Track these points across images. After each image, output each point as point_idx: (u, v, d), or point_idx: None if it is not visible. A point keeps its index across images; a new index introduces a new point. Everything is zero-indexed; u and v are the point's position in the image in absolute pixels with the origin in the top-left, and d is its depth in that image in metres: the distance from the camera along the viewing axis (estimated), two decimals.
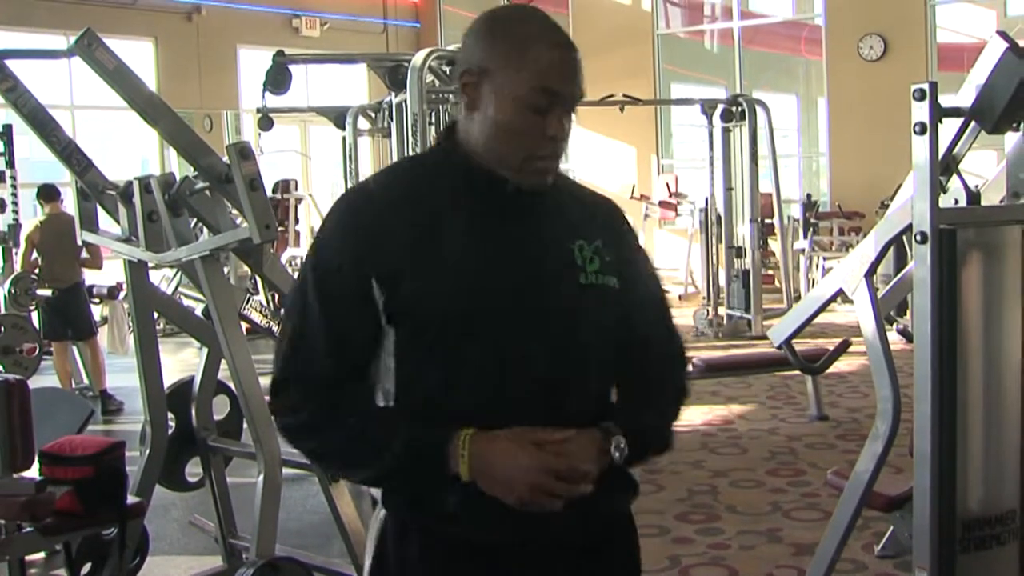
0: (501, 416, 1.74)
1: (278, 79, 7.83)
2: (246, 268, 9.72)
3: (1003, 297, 3.29)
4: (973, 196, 3.32)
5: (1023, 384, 3.39)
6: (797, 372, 7.69)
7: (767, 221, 11.73)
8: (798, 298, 10.53)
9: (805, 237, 12.82)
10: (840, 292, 3.82)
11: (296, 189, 13.41)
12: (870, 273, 3.65)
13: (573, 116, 1.84)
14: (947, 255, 3.17)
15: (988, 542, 3.35)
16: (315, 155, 16.12)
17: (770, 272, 12.69)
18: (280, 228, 10.82)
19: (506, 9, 1.89)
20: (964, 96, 3.33)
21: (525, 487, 1.68)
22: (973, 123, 3.36)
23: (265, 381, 4.24)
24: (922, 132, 3.14)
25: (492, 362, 1.76)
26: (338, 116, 9.45)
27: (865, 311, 3.64)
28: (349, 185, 9.07)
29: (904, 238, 3.51)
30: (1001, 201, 3.48)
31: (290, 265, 11.71)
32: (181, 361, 9.98)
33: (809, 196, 13.91)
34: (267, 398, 1.92)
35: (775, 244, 12.44)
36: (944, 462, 3.28)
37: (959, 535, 3.31)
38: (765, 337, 9.28)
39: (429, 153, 1.99)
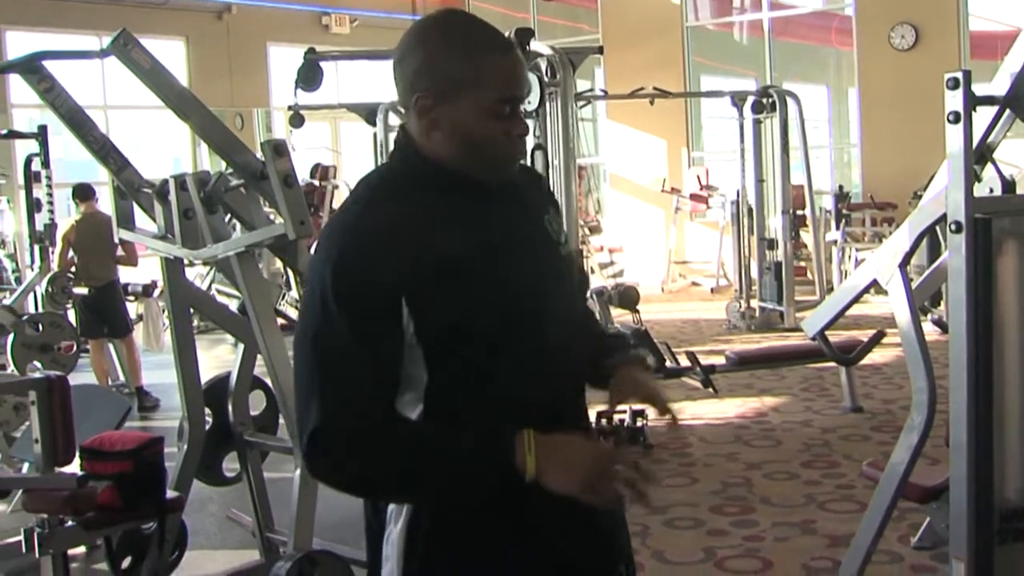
0: (541, 399, 1.81)
1: (309, 76, 7.86)
2: (278, 264, 9.80)
3: None
4: (1008, 185, 3.31)
5: None
6: (831, 364, 7.66)
7: (799, 213, 11.69)
8: (831, 290, 10.48)
9: (837, 228, 12.76)
10: (874, 283, 3.81)
11: (334, 177, 13.39)
12: (904, 263, 3.64)
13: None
14: (982, 244, 3.15)
15: None
16: (346, 151, 16.18)
17: (802, 264, 12.65)
18: (314, 216, 10.81)
19: (440, 22, 1.88)
20: (998, 84, 3.32)
21: (590, 472, 1.71)
22: (1008, 111, 3.35)
23: None
24: (956, 121, 3.13)
25: (529, 358, 1.82)
26: (369, 112, 9.49)
27: (900, 301, 3.63)
28: None
29: (938, 228, 3.49)
30: None
31: None
32: (215, 357, 10.06)
33: (841, 187, 13.84)
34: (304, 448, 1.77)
35: (807, 236, 12.40)
36: (981, 452, 3.26)
37: (996, 526, 3.29)
38: (798, 329, 9.28)
39: (395, 168, 1.90)
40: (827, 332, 4.10)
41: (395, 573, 1.84)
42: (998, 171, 3.35)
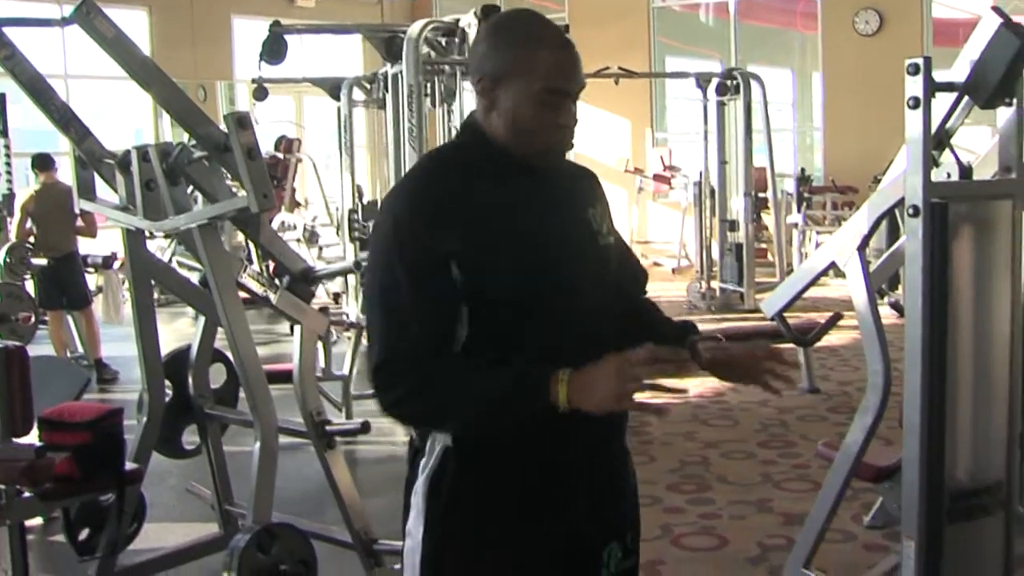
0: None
1: (274, 50, 7.81)
2: (240, 237, 9.75)
3: (993, 270, 3.34)
4: (965, 170, 3.36)
5: (1011, 357, 3.43)
6: (789, 345, 7.73)
7: (760, 195, 11.76)
8: (791, 272, 10.56)
9: (799, 211, 12.84)
10: (832, 265, 3.86)
11: (298, 150, 13.29)
12: (863, 246, 3.69)
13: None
14: (939, 229, 3.20)
15: (975, 512, 3.40)
16: (310, 126, 16.08)
17: (763, 246, 12.74)
18: (277, 188, 10.74)
19: (508, 17, 2.16)
20: (958, 71, 3.36)
21: (618, 379, 1.86)
22: (966, 98, 3.40)
23: (263, 350, 4.30)
24: (915, 106, 3.17)
25: (554, 326, 2.02)
26: (333, 87, 9.43)
27: (857, 284, 3.67)
28: (344, 157, 9.09)
29: (896, 212, 3.54)
30: (993, 176, 3.52)
31: (281, 230, 11.64)
32: (175, 331, 10.00)
33: (803, 170, 13.93)
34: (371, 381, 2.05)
35: (768, 218, 12.47)
36: (933, 433, 3.32)
37: (947, 505, 3.36)
38: (758, 310, 9.35)
39: (459, 145, 2.20)
40: (786, 314, 4.14)
41: (419, 518, 2.08)
42: (956, 156, 3.40)
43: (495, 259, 1.98)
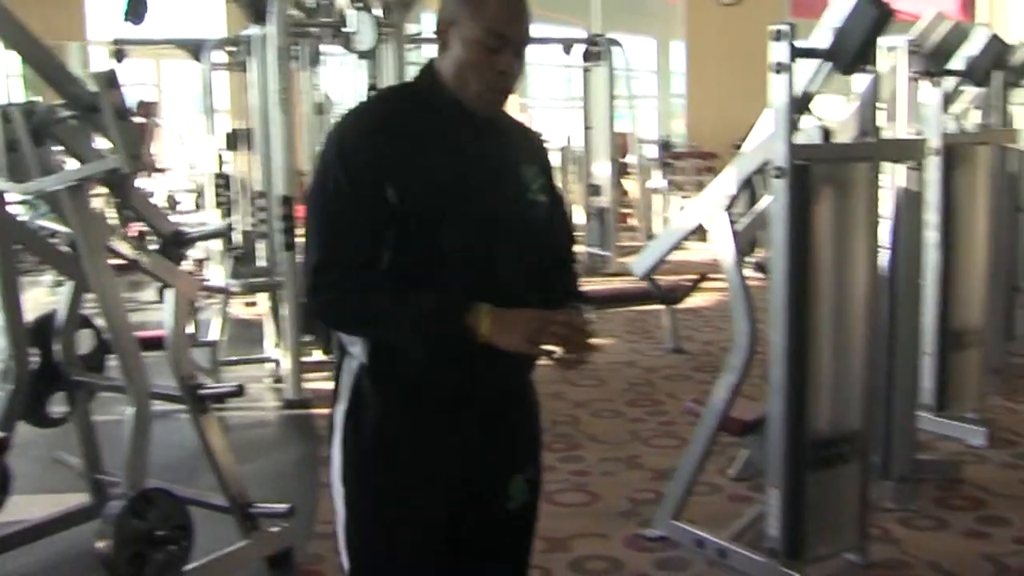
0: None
1: (138, 9, 7.60)
2: (97, 203, 9.50)
3: (852, 230, 3.50)
4: (826, 134, 3.50)
5: (867, 313, 3.61)
6: (653, 307, 7.93)
7: (623, 160, 11.94)
8: (653, 237, 10.79)
9: (661, 176, 13.09)
10: (698, 226, 3.98)
11: (155, 114, 12.97)
12: (728, 207, 3.81)
13: (525, 56, 2.20)
14: (801, 190, 3.34)
15: (835, 461, 3.57)
16: (169, 89, 15.69)
17: (626, 210, 12.95)
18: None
19: None
20: (819, 38, 3.49)
21: (531, 329, 2.04)
22: (826, 64, 3.54)
23: (134, 317, 4.21)
24: (779, 71, 3.29)
25: (467, 268, 2.13)
26: (196, 48, 9.22)
27: (724, 244, 3.80)
28: (207, 120, 8.93)
29: (753, 178, 3.68)
30: (852, 140, 3.67)
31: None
32: (31, 299, 9.70)
33: (666, 136, 14.19)
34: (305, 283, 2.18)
35: (631, 183, 12.69)
36: (796, 387, 3.48)
37: (808, 455, 3.52)
38: (622, 273, 9.53)
39: (412, 84, 2.32)
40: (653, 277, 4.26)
41: (337, 435, 2.24)
42: (817, 122, 3.54)
43: (423, 192, 2.10)
